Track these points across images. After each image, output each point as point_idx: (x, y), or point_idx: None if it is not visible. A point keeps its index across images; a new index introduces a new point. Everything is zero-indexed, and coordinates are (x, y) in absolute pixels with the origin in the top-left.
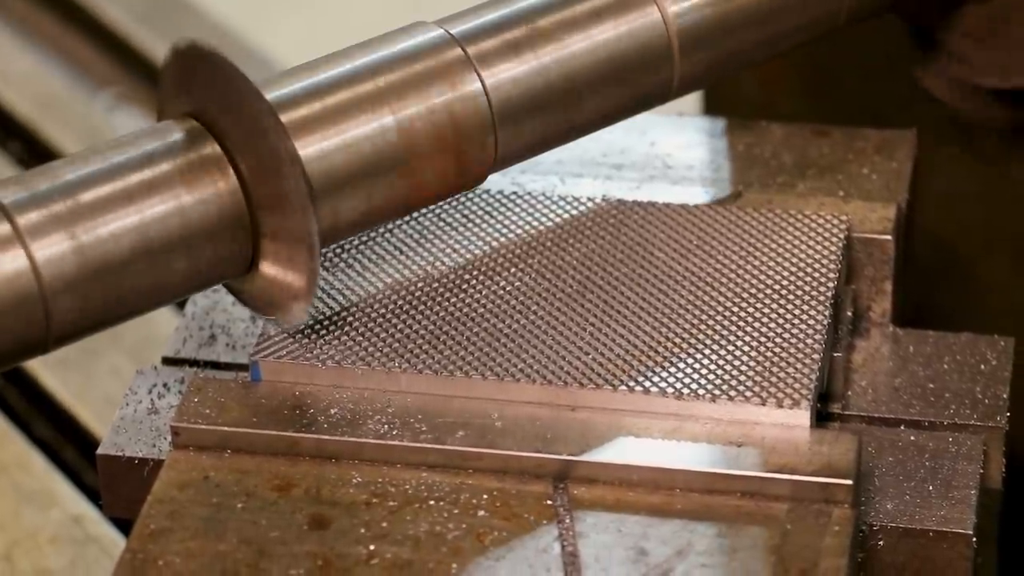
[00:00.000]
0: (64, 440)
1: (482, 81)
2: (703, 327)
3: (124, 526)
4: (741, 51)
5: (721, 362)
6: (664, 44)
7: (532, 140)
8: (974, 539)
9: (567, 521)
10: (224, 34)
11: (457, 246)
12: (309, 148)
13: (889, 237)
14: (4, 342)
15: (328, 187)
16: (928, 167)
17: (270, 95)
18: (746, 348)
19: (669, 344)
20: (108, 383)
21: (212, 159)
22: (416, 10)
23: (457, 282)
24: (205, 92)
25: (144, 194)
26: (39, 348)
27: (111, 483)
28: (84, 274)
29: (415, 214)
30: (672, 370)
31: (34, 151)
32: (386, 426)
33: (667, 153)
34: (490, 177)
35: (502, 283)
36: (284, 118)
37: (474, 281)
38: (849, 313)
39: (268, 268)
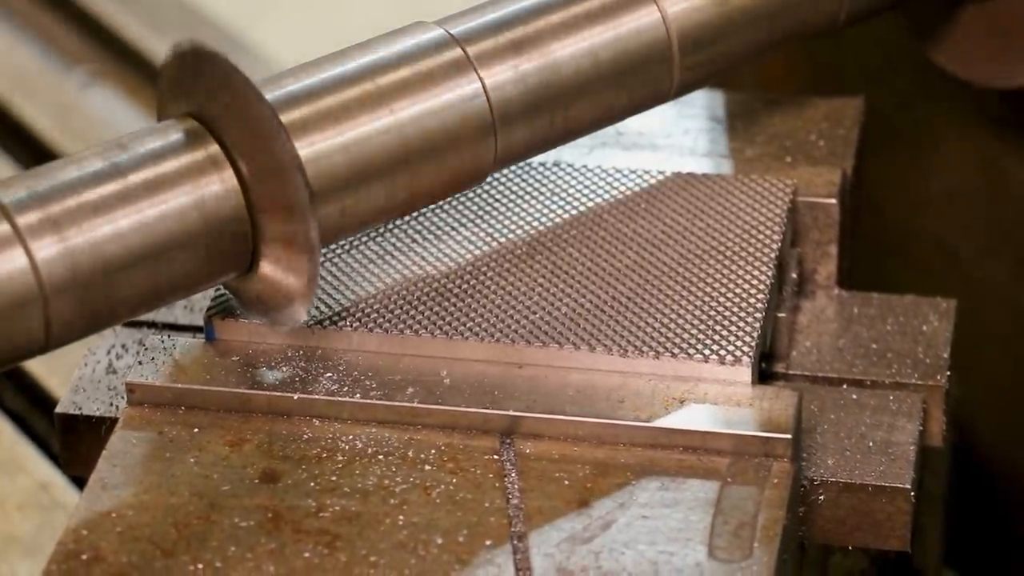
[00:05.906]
0: (33, 409)
1: (482, 81)
2: (648, 287)
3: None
4: (741, 51)
5: (665, 320)
6: (664, 44)
7: (532, 140)
8: (912, 494)
9: (513, 475)
10: (199, 12)
11: None
12: (309, 148)
13: (834, 201)
14: (3, 342)
15: (327, 188)
16: (928, 167)
17: (270, 95)
18: (690, 307)
19: (615, 303)
20: (77, 354)
21: (212, 160)
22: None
23: (407, 242)
24: (206, 92)
25: (144, 194)
26: (38, 348)
27: (70, 441)
28: (84, 274)
29: None
30: (617, 328)
31: (6, 128)
32: (337, 383)
33: None
34: None
35: (452, 243)
36: (284, 118)
37: (424, 242)
38: (794, 275)
39: (267, 270)
